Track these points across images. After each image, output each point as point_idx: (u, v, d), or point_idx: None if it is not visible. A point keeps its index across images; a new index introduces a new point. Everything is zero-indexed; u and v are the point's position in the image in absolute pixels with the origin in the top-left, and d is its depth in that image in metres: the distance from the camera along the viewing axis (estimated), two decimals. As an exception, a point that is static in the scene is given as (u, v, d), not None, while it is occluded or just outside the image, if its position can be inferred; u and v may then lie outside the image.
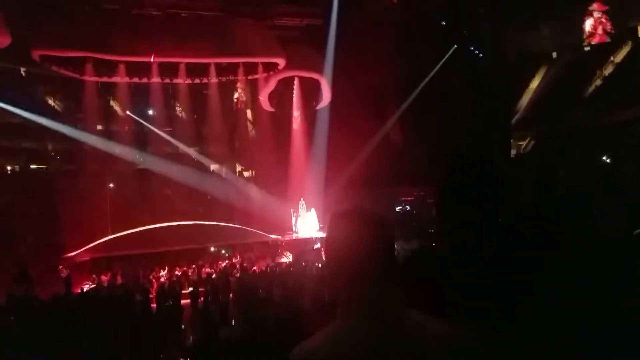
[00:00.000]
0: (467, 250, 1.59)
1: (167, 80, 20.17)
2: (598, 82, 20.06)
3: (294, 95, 22.61)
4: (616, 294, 1.51)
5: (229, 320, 9.62)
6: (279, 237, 20.95)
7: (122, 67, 18.74)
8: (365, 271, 1.35)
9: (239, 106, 25.70)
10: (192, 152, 23.26)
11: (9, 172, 23.47)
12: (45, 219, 18.16)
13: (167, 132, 23.16)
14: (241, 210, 22.26)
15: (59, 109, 24.70)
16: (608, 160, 17.94)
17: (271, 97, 22.60)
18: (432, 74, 21.65)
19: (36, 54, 17.28)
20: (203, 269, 16.87)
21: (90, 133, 21.28)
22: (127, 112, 22.85)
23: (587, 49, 21.60)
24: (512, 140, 18.81)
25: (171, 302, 10.84)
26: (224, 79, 21.03)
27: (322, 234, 20.75)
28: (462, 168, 1.72)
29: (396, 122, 22.70)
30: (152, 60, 18.69)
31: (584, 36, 21.48)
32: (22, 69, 20.77)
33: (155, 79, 19.66)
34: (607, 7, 20.83)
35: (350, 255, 1.36)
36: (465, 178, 1.67)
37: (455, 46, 21.42)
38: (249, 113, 26.06)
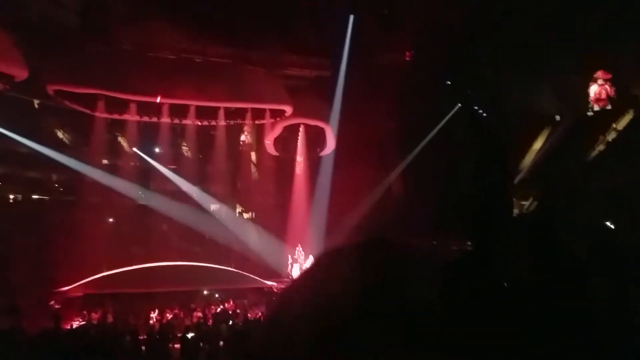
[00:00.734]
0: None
1: (176, 121, 20.58)
2: (601, 147, 20.34)
3: (298, 141, 23.04)
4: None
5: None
6: (274, 283, 20.63)
7: (133, 106, 19.17)
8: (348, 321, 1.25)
9: (244, 148, 26.08)
10: (194, 190, 23.35)
11: (10, 200, 23.51)
12: (41, 251, 17.99)
13: (172, 170, 23.38)
14: (238, 252, 22.08)
15: (66, 141, 25.06)
16: (609, 224, 17.90)
17: (276, 141, 23.02)
18: (435, 130, 22.10)
19: (51, 89, 17.72)
20: (195, 313, 16.52)
21: (95, 167, 21.50)
22: (134, 149, 23.15)
23: (590, 113, 22.04)
24: (514, 200, 18.87)
25: (160, 346, 10.57)
26: (231, 122, 21.48)
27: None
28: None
29: (399, 173, 22.96)
30: (163, 102, 19.15)
31: (589, 101, 21.96)
32: (36, 101, 21.20)
33: (165, 119, 20.06)
34: (610, 75, 21.42)
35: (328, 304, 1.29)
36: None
37: (459, 105, 21.95)
38: (253, 155, 26.37)
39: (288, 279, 20.99)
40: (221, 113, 20.26)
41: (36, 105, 21.63)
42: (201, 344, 10.62)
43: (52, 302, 16.30)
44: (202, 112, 20.17)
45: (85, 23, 18.13)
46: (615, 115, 21.02)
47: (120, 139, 24.62)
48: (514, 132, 20.37)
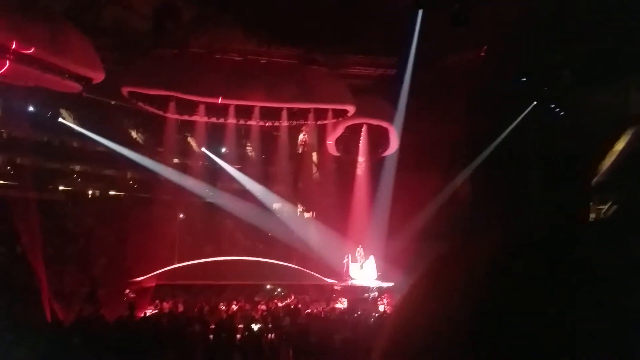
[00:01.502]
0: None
1: (241, 122, 21.20)
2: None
3: (360, 141, 22.92)
4: None
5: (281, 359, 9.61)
6: (335, 281, 20.76)
7: (202, 107, 19.98)
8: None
9: (306, 149, 26.43)
10: (257, 189, 24.02)
11: (89, 196, 25.39)
12: (118, 244, 19.22)
13: (237, 169, 24.23)
14: (299, 250, 22.46)
15: (140, 141, 26.70)
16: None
17: (338, 142, 23.05)
18: (507, 131, 21.21)
19: (125, 91, 18.81)
20: (259, 306, 17.02)
21: (167, 165, 22.72)
22: (202, 149, 24.23)
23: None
24: (591, 204, 17.78)
25: (227, 336, 10.97)
26: (294, 122, 21.79)
27: (380, 283, 20.34)
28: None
29: (465, 177, 22.21)
30: (229, 103, 19.82)
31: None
32: (112, 102, 22.68)
33: (231, 120, 20.74)
34: None
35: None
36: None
37: (535, 103, 20.92)
38: (314, 156, 26.65)
39: (347, 278, 21.05)
40: (284, 114, 20.60)
41: (112, 107, 23.13)
42: (265, 335, 10.94)
43: (128, 292, 17.38)
44: (265, 113, 20.65)
45: (157, 28, 19.05)
46: None
47: (189, 139, 25.86)
48: (592, 133, 19.14)
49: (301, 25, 18.55)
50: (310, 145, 24.92)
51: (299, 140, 25.14)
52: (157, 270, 18.37)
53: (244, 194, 23.78)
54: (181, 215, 22.98)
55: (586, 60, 19.16)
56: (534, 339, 0.59)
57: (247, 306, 16.80)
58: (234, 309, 16.00)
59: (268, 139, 24.04)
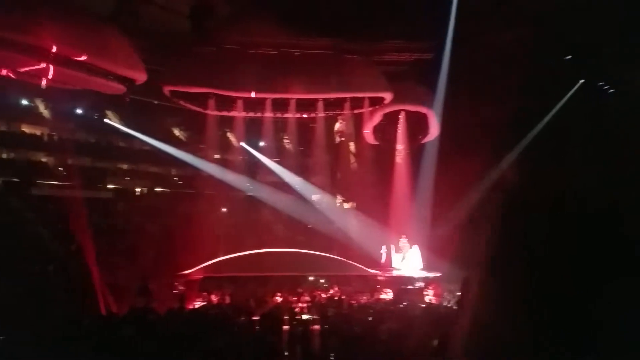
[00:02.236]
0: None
1: (278, 115, 21.34)
2: None
3: (398, 129, 22.54)
4: None
5: (328, 351, 9.64)
6: (378, 272, 20.65)
7: (240, 103, 20.26)
8: (503, 341, 1.31)
9: (343, 139, 26.30)
10: (296, 181, 24.18)
11: (137, 193, 26.36)
12: (166, 239, 19.85)
13: (275, 162, 24.47)
14: (340, 241, 22.46)
15: (183, 138, 27.41)
16: None
17: (375, 130, 22.77)
18: (554, 111, 20.30)
19: (166, 90, 19.32)
20: (302, 297, 17.19)
21: (208, 161, 23.25)
22: (241, 143, 24.62)
23: None
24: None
25: (273, 326, 11.12)
26: (330, 113, 21.68)
27: (425, 274, 20.06)
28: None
29: (511, 161, 21.43)
30: (265, 97, 19.98)
31: None
32: (155, 102, 23.33)
33: (268, 113, 20.91)
34: None
35: (485, 325, 1.34)
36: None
37: (582, 81, 19.91)
38: (352, 145, 26.51)
39: (391, 269, 20.89)
40: (320, 105, 20.54)
41: (155, 107, 23.80)
42: (310, 326, 11.01)
43: (177, 285, 17.96)
44: (301, 105, 20.67)
45: (194, 27, 19.40)
46: None
47: (229, 134, 26.31)
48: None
49: (333, 14, 18.36)
50: (347, 134, 24.74)
51: (336, 130, 24.99)
52: (203, 263, 18.87)
53: (283, 186, 24.01)
54: (224, 209, 23.46)
55: (637, 36, 18.02)
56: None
57: (291, 297, 17.00)
58: (279, 300, 16.22)
59: (305, 130, 24.09)
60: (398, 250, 21.26)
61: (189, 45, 19.35)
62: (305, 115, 21.62)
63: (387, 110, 21.29)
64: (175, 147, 23.78)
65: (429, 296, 18.28)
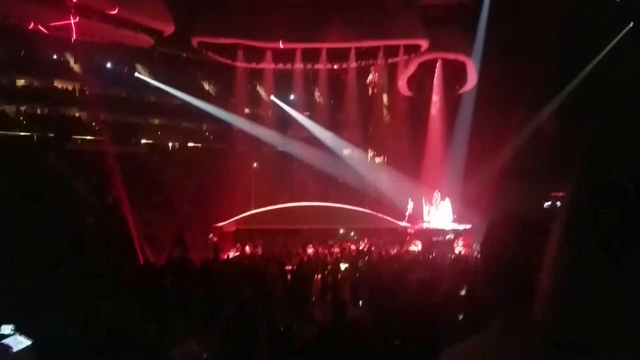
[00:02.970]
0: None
1: (309, 66, 20.83)
2: None
3: (434, 79, 21.65)
4: None
5: (357, 299, 9.73)
6: (408, 225, 20.55)
7: (269, 54, 19.85)
8: (526, 290, 1.15)
9: (375, 91, 25.59)
10: (327, 136, 23.92)
11: (170, 148, 26.75)
12: (199, 192, 20.23)
13: (306, 117, 24.17)
14: (371, 195, 22.34)
15: (212, 93, 27.36)
16: None
17: (410, 81, 21.96)
18: (599, 57, 18.99)
19: (195, 41, 19.07)
20: (332, 249, 17.37)
21: (239, 116, 23.19)
22: (272, 97, 24.35)
23: None
24: None
25: (304, 276, 11.29)
26: (363, 63, 20.97)
27: (456, 226, 19.85)
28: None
29: (552, 110, 20.41)
30: (296, 47, 19.46)
31: None
32: (183, 54, 23.17)
33: (298, 65, 20.44)
34: None
35: (510, 272, 1.18)
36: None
37: (632, 24, 18.45)
38: (385, 98, 25.80)
39: (420, 222, 20.75)
40: (352, 54, 19.86)
41: (184, 60, 23.67)
42: (340, 276, 11.13)
43: (211, 236, 18.43)
44: (332, 55, 20.04)
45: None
46: None
47: (258, 88, 26.05)
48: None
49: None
50: (380, 86, 24.05)
51: (368, 81, 24.28)
52: (236, 216, 19.20)
53: (313, 141, 23.82)
54: (255, 164, 23.58)
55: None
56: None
57: (321, 249, 17.18)
58: (311, 252, 16.43)
59: (336, 83, 23.54)
60: (429, 203, 21.02)
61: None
62: (336, 66, 21.00)
63: (423, 59, 20.38)
64: (205, 102, 23.78)
65: (459, 247, 18.13)
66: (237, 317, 7.39)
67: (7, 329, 4.72)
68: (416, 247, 18.75)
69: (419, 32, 18.83)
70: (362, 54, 20.05)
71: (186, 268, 12.17)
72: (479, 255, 1.39)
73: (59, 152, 19.63)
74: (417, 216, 21.01)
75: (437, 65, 20.98)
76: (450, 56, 20.17)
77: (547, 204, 20.08)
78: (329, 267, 12.49)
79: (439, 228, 19.97)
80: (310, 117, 24.33)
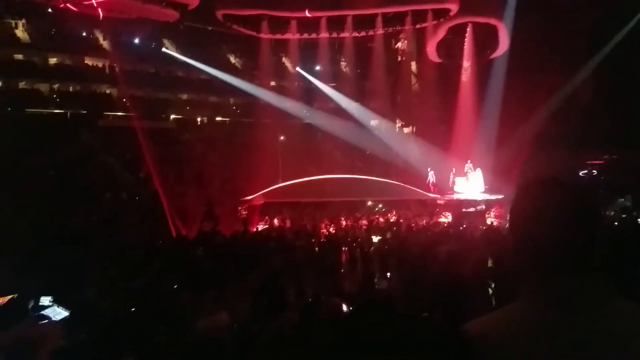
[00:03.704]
0: None
1: (334, 35, 20.41)
2: None
3: (465, 44, 20.87)
4: None
5: (385, 271, 9.72)
6: (438, 196, 20.25)
7: (293, 24, 19.53)
8: (560, 256, 1.08)
9: (403, 58, 24.90)
10: (353, 107, 23.58)
11: (198, 122, 27.00)
12: (228, 166, 20.43)
13: (332, 88, 23.84)
14: (399, 166, 22.05)
15: (238, 66, 27.28)
16: None
17: (439, 46, 21.23)
18: (636, 19, 17.92)
19: (219, 13, 18.92)
20: (360, 221, 17.31)
21: (265, 89, 23.08)
22: (297, 68, 24.07)
23: None
24: None
25: (331, 248, 11.33)
26: (390, 29, 20.39)
27: (487, 196, 19.46)
28: None
29: (587, 74, 19.49)
30: (321, 16, 19.06)
31: None
32: (209, 28, 23.07)
33: (323, 34, 20.06)
34: None
35: (543, 237, 1.11)
36: None
37: None
38: (413, 65, 25.12)
39: (450, 192, 20.41)
40: (379, 20, 19.31)
41: (210, 33, 23.59)
42: (368, 248, 11.10)
43: (240, 209, 18.67)
44: (358, 23, 19.54)
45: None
46: None
47: (284, 59, 25.79)
48: None
49: None
50: (408, 53, 23.36)
51: (396, 49, 23.62)
52: (264, 189, 19.35)
53: (340, 112, 23.54)
54: (282, 137, 23.57)
55: None
56: None
57: (349, 221, 17.17)
58: (338, 225, 16.44)
59: (362, 51, 23.01)
60: (460, 174, 20.60)
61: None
62: (362, 34, 20.48)
63: (453, 23, 19.66)
64: (231, 75, 23.74)
65: (491, 218, 17.79)
66: (266, 288, 7.50)
67: (46, 300, 4.90)
68: (446, 218, 18.49)
69: (447, -6, 18.15)
70: (389, 19, 19.49)
71: (216, 241, 12.43)
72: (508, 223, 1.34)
73: (92, 129, 20.08)
74: (440, 186, 20.64)
75: (468, 29, 20.19)
76: (481, 20, 19.36)
77: (582, 172, 19.41)
78: (359, 239, 12.48)
79: (470, 199, 19.63)
80: (337, 88, 24.00)
